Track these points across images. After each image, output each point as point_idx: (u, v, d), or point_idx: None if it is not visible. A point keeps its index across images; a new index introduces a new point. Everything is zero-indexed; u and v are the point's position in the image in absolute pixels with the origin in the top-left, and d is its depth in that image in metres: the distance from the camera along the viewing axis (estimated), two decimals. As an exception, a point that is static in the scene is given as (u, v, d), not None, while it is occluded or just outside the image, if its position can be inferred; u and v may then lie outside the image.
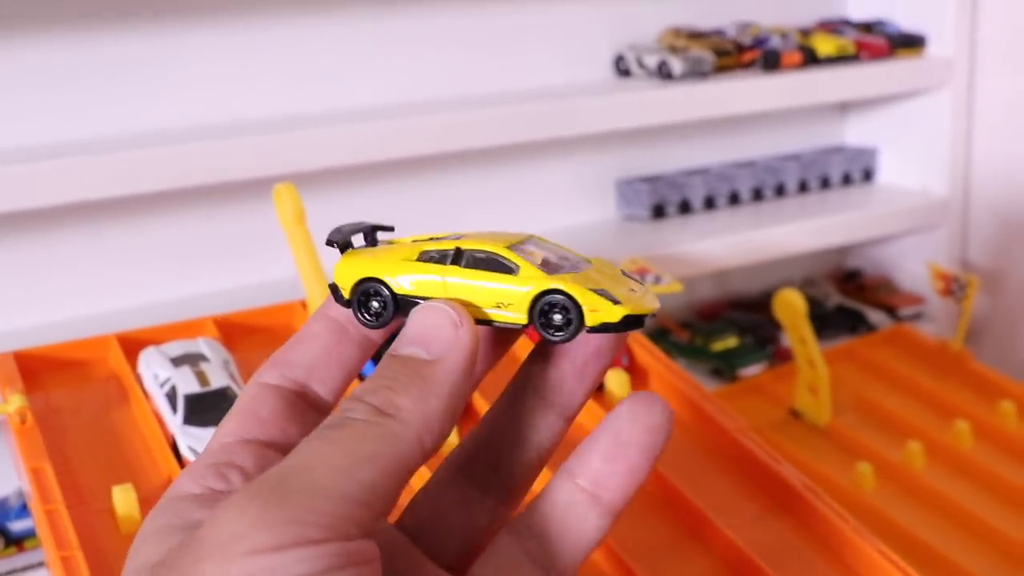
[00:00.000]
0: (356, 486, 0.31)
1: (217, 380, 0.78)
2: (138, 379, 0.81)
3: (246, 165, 1.06)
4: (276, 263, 1.11)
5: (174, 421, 0.75)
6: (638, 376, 0.90)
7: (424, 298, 0.37)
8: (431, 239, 0.40)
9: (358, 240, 0.41)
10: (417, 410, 0.34)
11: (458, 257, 0.38)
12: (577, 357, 0.39)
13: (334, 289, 0.39)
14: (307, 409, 0.38)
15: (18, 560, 0.94)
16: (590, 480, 0.38)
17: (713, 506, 0.75)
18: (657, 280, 1.01)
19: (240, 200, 1.18)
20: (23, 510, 0.94)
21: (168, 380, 0.78)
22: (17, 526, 0.95)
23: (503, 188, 1.35)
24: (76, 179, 0.99)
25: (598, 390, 0.87)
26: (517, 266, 0.37)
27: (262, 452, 0.36)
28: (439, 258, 0.38)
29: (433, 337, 0.35)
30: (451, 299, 0.37)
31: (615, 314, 0.36)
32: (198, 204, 1.16)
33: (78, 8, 1.08)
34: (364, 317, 0.38)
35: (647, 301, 0.38)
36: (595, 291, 0.37)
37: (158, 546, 0.33)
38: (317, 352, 0.38)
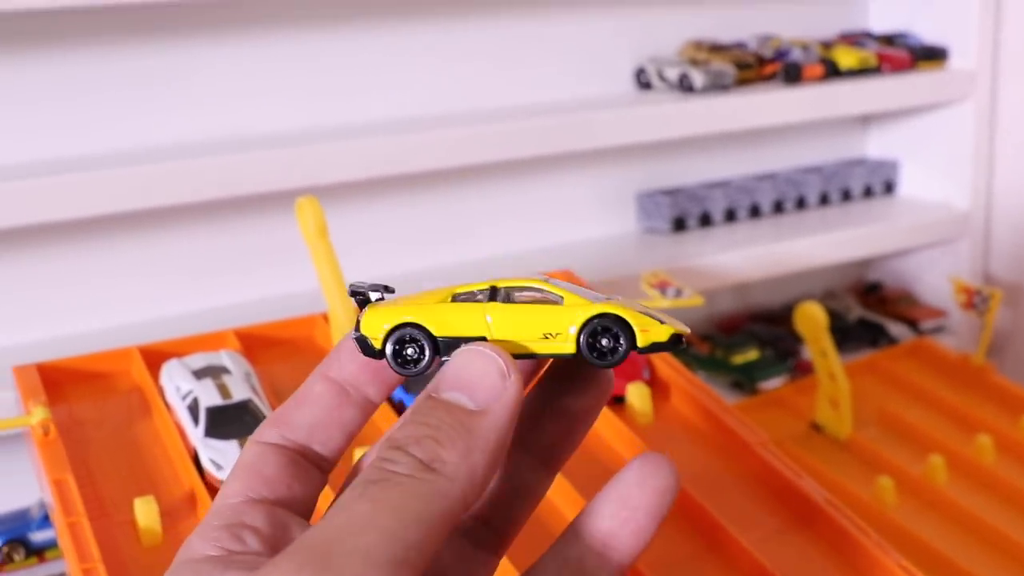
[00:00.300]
0: (404, 549, 0.30)
1: (239, 393, 0.78)
2: (160, 391, 0.82)
3: (265, 178, 1.07)
4: (298, 276, 1.11)
5: (196, 433, 0.76)
6: (659, 389, 0.90)
7: (467, 338, 0.37)
8: (448, 289, 0.39)
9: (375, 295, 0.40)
10: (464, 465, 0.33)
11: (494, 295, 0.37)
12: (564, 419, 0.39)
13: (362, 341, 0.38)
14: (310, 467, 0.37)
15: (39, 571, 0.94)
16: (599, 540, 0.37)
17: (733, 520, 0.75)
18: (678, 293, 1.01)
19: (261, 213, 1.18)
20: (45, 521, 0.94)
21: (190, 392, 0.78)
22: (39, 537, 0.95)
23: (522, 201, 1.35)
24: (97, 193, 0.99)
25: (619, 402, 0.87)
26: (560, 296, 0.37)
27: (272, 511, 0.35)
28: (480, 297, 0.38)
29: (479, 385, 0.34)
30: (495, 339, 0.37)
31: (663, 333, 0.37)
32: (217, 217, 1.17)
33: (93, 23, 1.08)
34: (403, 365, 0.38)
35: (679, 324, 0.39)
36: (642, 312, 0.37)
37: None
38: (318, 414, 0.37)
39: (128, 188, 1.01)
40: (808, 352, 1.16)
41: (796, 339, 1.33)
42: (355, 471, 0.39)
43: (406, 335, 0.37)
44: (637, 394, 0.86)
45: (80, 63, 1.09)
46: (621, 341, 0.37)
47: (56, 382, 0.84)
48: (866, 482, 1.07)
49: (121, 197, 1.00)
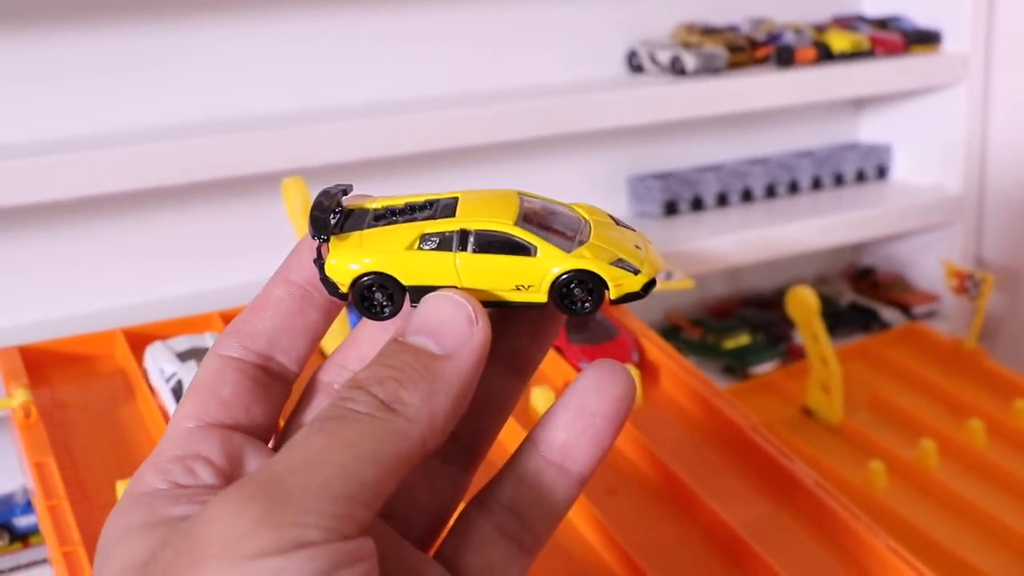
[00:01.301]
0: (360, 486, 0.30)
1: (223, 375, 0.77)
2: (144, 374, 0.81)
3: (253, 160, 1.06)
4: (283, 257, 1.11)
5: (179, 416, 0.75)
6: (648, 371, 0.90)
7: (437, 287, 0.36)
8: (409, 206, 0.38)
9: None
10: (425, 408, 0.32)
11: (464, 239, 0.36)
12: (535, 325, 0.39)
13: (327, 283, 0.37)
14: (270, 383, 0.36)
15: (22, 556, 0.94)
16: (556, 451, 0.37)
17: (722, 502, 0.75)
18: (668, 276, 1.00)
19: (247, 195, 1.17)
20: (28, 506, 0.94)
21: (174, 375, 0.77)
22: (22, 522, 0.94)
23: (513, 184, 1.32)
24: (82, 174, 0.98)
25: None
26: (533, 246, 0.36)
27: (228, 438, 0.35)
28: (444, 241, 0.36)
29: (446, 331, 0.34)
30: (465, 287, 0.36)
31: (636, 283, 0.37)
32: (205, 199, 1.16)
33: (85, 3, 1.07)
34: (373, 310, 0.37)
35: (654, 257, 0.38)
36: (616, 264, 0.36)
37: (138, 545, 0.31)
38: (280, 320, 0.37)
39: (113, 169, 1.00)
40: (800, 337, 1.16)
41: (788, 324, 1.32)
42: (309, 387, 0.38)
43: (374, 283, 0.36)
44: (626, 377, 0.85)
45: (65, 44, 1.08)
46: (592, 293, 0.36)
47: (38, 365, 0.83)
48: (857, 466, 1.07)
49: (106, 179, 0.99)
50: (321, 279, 0.37)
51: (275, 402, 0.36)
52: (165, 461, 0.34)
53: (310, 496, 0.29)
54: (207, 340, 0.82)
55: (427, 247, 0.36)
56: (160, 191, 1.08)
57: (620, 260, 0.36)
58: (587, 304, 0.36)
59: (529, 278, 0.36)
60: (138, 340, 0.84)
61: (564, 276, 0.36)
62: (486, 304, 0.36)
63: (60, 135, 1.06)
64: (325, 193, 0.38)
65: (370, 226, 0.37)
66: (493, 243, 0.36)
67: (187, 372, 0.77)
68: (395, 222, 0.37)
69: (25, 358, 0.82)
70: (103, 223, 1.12)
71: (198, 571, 0.28)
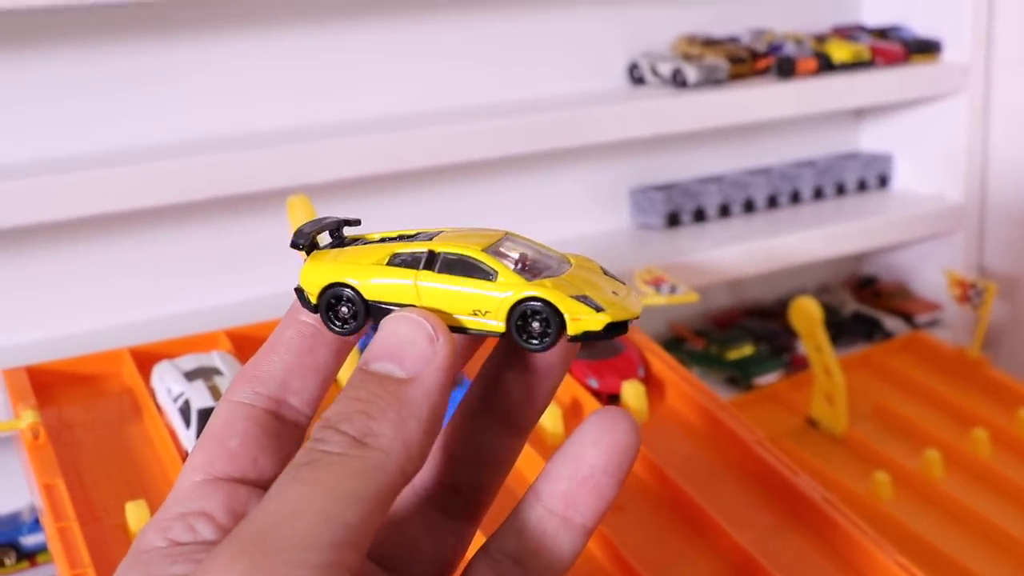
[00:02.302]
0: (343, 530, 0.30)
1: (230, 394, 0.77)
2: (151, 393, 0.81)
3: (257, 178, 1.06)
4: (289, 274, 1.11)
5: (187, 436, 0.75)
6: (654, 386, 0.90)
7: (396, 304, 0.36)
8: (401, 237, 0.38)
9: (324, 239, 0.39)
10: (398, 437, 0.32)
11: (431, 260, 0.36)
12: (526, 379, 0.38)
13: (300, 293, 0.37)
14: (281, 429, 0.36)
15: (30, 575, 0.94)
16: (559, 502, 0.36)
17: (729, 517, 0.75)
18: (673, 290, 1.01)
19: (252, 212, 1.18)
20: (36, 524, 0.94)
21: (181, 394, 0.78)
22: (29, 540, 0.94)
23: (516, 198, 1.35)
24: (86, 193, 0.99)
25: (614, 401, 0.87)
26: (494, 271, 0.35)
27: (232, 491, 0.34)
28: (411, 261, 0.36)
29: (407, 352, 0.33)
30: (425, 307, 0.35)
31: (598, 323, 0.35)
32: (210, 216, 1.16)
33: (82, 22, 1.08)
34: (333, 324, 0.36)
35: (631, 304, 0.36)
36: (577, 298, 0.35)
37: None
38: (290, 360, 0.36)
39: (117, 188, 1.00)
40: (803, 347, 1.16)
41: (791, 334, 1.32)
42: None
43: (339, 295, 0.36)
44: (632, 392, 0.85)
45: (67, 62, 1.08)
46: (551, 327, 0.35)
47: (46, 385, 0.83)
48: (862, 477, 1.07)
49: (110, 197, 1.00)
50: (295, 289, 0.37)
51: (285, 450, 0.36)
52: (168, 519, 0.34)
53: (294, 548, 0.29)
54: (214, 359, 0.82)
55: (393, 264, 0.36)
56: (164, 209, 1.08)
57: (583, 296, 0.35)
58: (544, 339, 0.35)
59: (487, 304, 0.35)
60: (145, 359, 0.85)
61: (520, 304, 0.35)
62: (452, 329, 0.35)
63: (63, 154, 1.07)
64: (325, 218, 0.39)
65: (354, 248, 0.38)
66: (455, 265, 0.35)
67: (194, 392, 0.77)
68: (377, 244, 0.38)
69: (32, 379, 0.82)
70: (108, 241, 1.12)
71: None
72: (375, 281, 0.36)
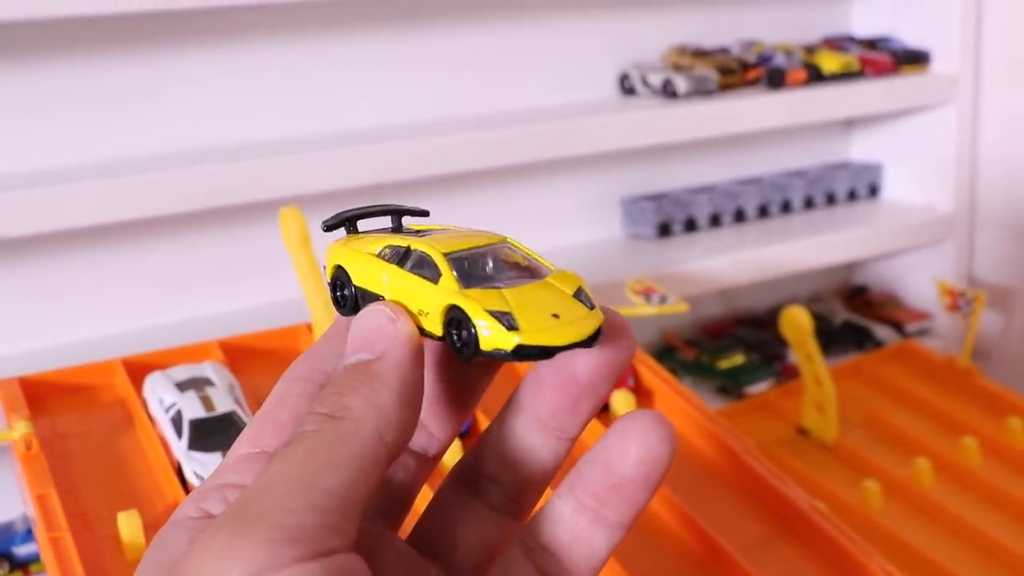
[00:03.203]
0: (323, 494, 0.30)
1: (222, 405, 0.78)
2: (143, 404, 0.81)
3: (250, 188, 1.06)
4: (281, 285, 1.11)
5: (179, 447, 0.75)
6: (644, 396, 0.90)
7: (375, 293, 0.37)
8: (423, 231, 0.39)
9: (368, 224, 0.40)
10: (369, 405, 0.33)
11: (405, 256, 0.37)
12: (569, 391, 0.37)
13: (325, 268, 0.40)
14: None
15: (24, 585, 0.95)
16: (591, 501, 0.36)
17: (719, 527, 0.75)
18: (663, 300, 1.01)
19: (244, 222, 1.18)
20: (28, 534, 0.94)
21: (173, 405, 0.78)
22: (22, 550, 0.95)
23: (508, 208, 1.35)
24: (80, 204, 0.99)
25: (603, 411, 0.87)
26: (440, 274, 0.36)
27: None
28: (390, 256, 0.37)
29: (373, 337, 0.35)
30: (391, 298, 0.37)
31: (507, 341, 0.33)
32: (202, 227, 1.17)
33: (77, 35, 1.08)
34: (338, 302, 0.39)
35: (561, 331, 0.34)
36: (493, 312, 0.34)
37: None
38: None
39: (110, 199, 1.00)
40: (794, 356, 1.16)
41: (782, 343, 1.33)
42: None
43: (339, 278, 0.38)
44: (622, 401, 0.86)
45: (62, 74, 1.08)
46: (468, 338, 0.34)
47: (38, 396, 0.84)
48: (852, 486, 1.08)
49: (103, 208, 1.00)
50: (322, 265, 0.39)
51: None
52: (208, 489, 0.35)
53: (270, 515, 0.29)
54: (206, 370, 0.82)
55: (379, 255, 0.38)
56: (157, 220, 1.08)
57: (502, 312, 0.34)
58: (466, 347, 0.34)
59: (427, 304, 0.36)
60: (137, 370, 0.85)
61: (447, 310, 0.35)
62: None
63: (58, 165, 1.07)
64: (388, 205, 0.40)
65: (382, 233, 0.39)
66: (417, 263, 0.36)
67: (186, 402, 0.78)
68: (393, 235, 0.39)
69: (25, 389, 0.83)
70: (100, 252, 1.13)
71: None
72: (361, 270, 0.38)
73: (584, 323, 0.35)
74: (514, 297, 0.35)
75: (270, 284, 1.17)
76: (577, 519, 0.36)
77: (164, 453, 0.76)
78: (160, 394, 0.80)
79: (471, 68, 1.30)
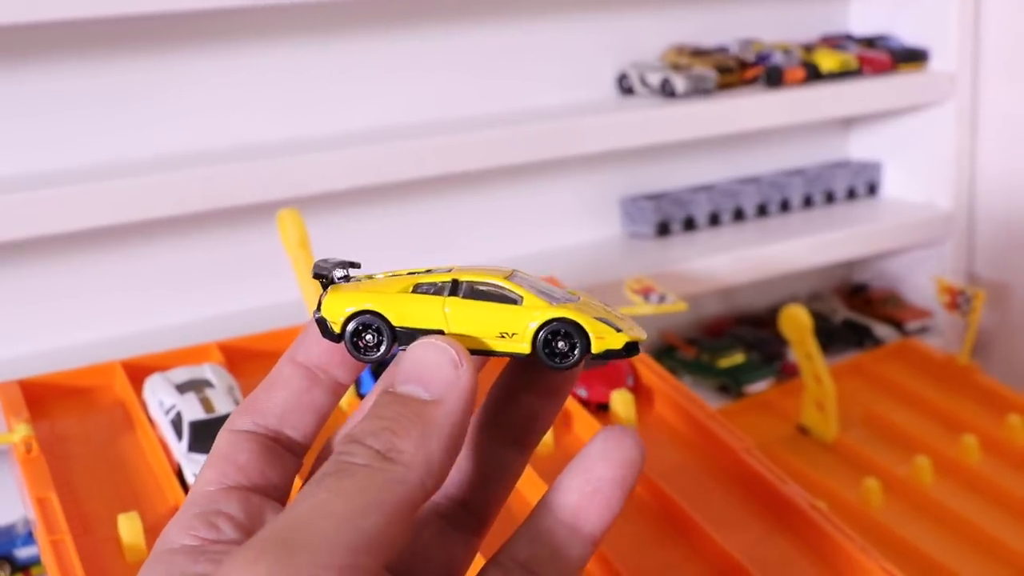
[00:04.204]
0: (362, 536, 0.31)
1: (222, 406, 0.78)
2: (143, 406, 0.82)
3: (247, 190, 1.07)
4: (280, 287, 1.12)
5: (179, 448, 0.76)
6: (643, 395, 0.91)
7: (424, 330, 0.37)
8: (412, 273, 0.40)
9: (339, 274, 0.40)
10: (419, 453, 0.33)
11: (455, 288, 0.38)
12: (533, 399, 0.40)
13: (321, 323, 0.38)
14: (283, 453, 0.38)
15: (24, 588, 0.95)
16: (568, 512, 0.38)
17: (718, 526, 0.75)
18: (661, 299, 1.01)
19: (242, 224, 1.18)
20: (29, 537, 0.94)
21: (173, 407, 0.78)
22: (23, 553, 0.95)
23: (507, 208, 1.35)
24: (80, 206, 0.99)
25: (603, 410, 0.88)
26: (520, 296, 0.37)
27: (247, 498, 0.36)
28: (436, 290, 0.38)
29: (433, 377, 0.35)
30: (452, 332, 0.37)
31: (618, 341, 0.37)
32: (201, 229, 1.17)
33: (76, 37, 1.08)
34: (360, 351, 0.38)
35: (637, 331, 0.39)
36: (599, 319, 0.37)
37: None
38: (288, 399, 0.38)
39: (110, 202, 1.01)
40: (793, 355, 1.16)
41: (782, 342, 1.33)
42: (323, 455, 0.40)
43: (365, 322, 0.38)
44: (621, 401, 0.86)
45: (62, 77, 1.09)
46: (576, 346, 0.37)
47: (38, 398, 0.84)
48: (852, 484, 1.08)
49: (102, 211, 1.00)
50: (317, 319, 0.38)
51: (289, 470, 0.38)
52: (188, 518, 0.35)
53: (316, 549, 0.30)
54: (205, 371, 0.83)
55: (418, 292, 0.38)
56: (156, 222, 1.09)
57: (604, 318, 0.38)
58: (570, 357, 0.37)
59: (513, 326, 0.37)
60: (137, 372, 0.85)
61: (547, 324, 0.37)
62: (472, 352, 0.37)
63: (56, 168, 1.07)
64: (327, 259, 0.40)
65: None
66: (481, 293, 0.38)
67: (186, 404, 0.78)
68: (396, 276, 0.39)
69: (25, 392, 0.83)
70: (100, 255, 1.13)
71: None
72: (403, 308, 0.38)
73: (637, 326, 0.40)
74: (590, 307, 0.39)
75: (269, 286, 1.17)
76: (554, 534, 0.38)
77: (164, 455, 0.76)
78: (160, 396, 0.80)
79: (470, 68, 1.30)
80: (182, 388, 0.80)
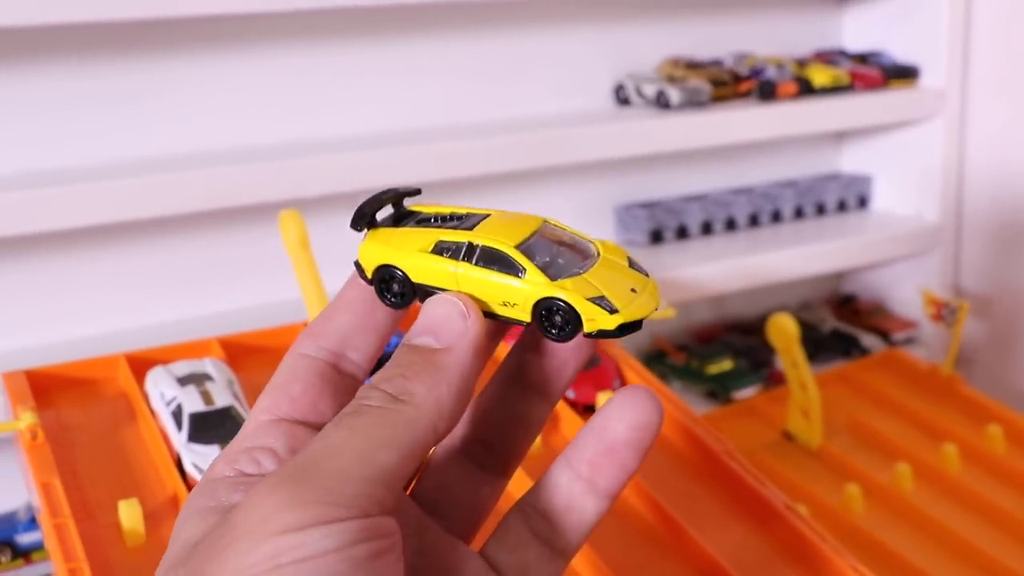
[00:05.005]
0: (374, 468, 0.34)
1: (221, 399, 0.80)
2: (145, 397, 0.84)
3: (250, 191, 1.09)
4: (280, 285, 1.14)
5: (179, 439, 0.78)
6: (629, 398, 0.93)
7: (439, 288, 0.40)
8: (452, 216, 0.42)
9: (384, 212, 0.43)
10: (430, 396, 0.36)
11: (471, 251, 0.40)
12: (557, 354, 0.42)
13: (358, 267, 0.41)
14: (340, 380, 0.40)
15: (25, 572, 0.97)
16: (586, 469, 0.40)
17: (699, 525, 0.78)
18: (650, 305, 1.03)
19: (245, 224, 1.21)
20: (31, 523, 0.96)
21: (174, 399, 0.81)
22: (25, 539, 0.97)
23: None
24: (86, 204, 1.01)
25: (589, 411, 0.90)
26: (523, 269, 0.39)
27: (292, 431, 0.38)
28: (452, 251, 0.40)
29: (443, 327, 0.38)
30: (462, 292, 0.39)
31: (611, 323, 0.38)
32: (205, 228, 1.19)
33: (82, 39, 1.10)
34: (386, 298, 0.41)
35: (644, 303, 0.40)
36: (593, 300, 0.38)
37: (197, 527, 0.35)
38: (352, 320, 0.41)
39: (115, 200, 1.03)
40: (781, 363, 1.19)
41: (770, 349, 1.35)
42: None
43: (390, 275, 0.40)
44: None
45: (68, 77, 1.11)
46: (570, 323, 0.39)
47: (44, 388, 0.86)
48: (835, 489, 1.10)
49: (108, 209, 1.02)
50: (354, 263, 0.41)
51: (343, 397, 0.40)
52: (236, 452, 0.38)
53: (330, 479, 0.33)
54: (206, 365, 0.85)
55: (437, 252, 0.40)
56: (160, 220, 1.11)
57: (600, 298, 0.39)
58: (564, 331, 0.39)
59: (514, 297, 0.39)
60: (140, 365, 0.88)
61: (543, 300, 0.39)
62: (485, 314, 0.39)
63: (64, 166, 1.09)
64: (385, 192, 0.43)
65: (408, 227, 0.42)
66: (491, 259, 0.39)
67: (186, 396, 0.80)
68: (428, 227, 0.41)
69: (31, 382, 0.85)
70: (105, 251, 1.15)
71: (231, 548, 0.32)
72: (421, 266, 0.40)
73: (652, 291, 0.40)
74: (596, 280, 0.39)
75: (269, 284, 1.19)
76: (572, 487, 0.41)
77: (164, 445, 0.79)
78: (161, 388, 0.82)
79: (470, 76, 1.32)
80: (183, 381, 0.82)
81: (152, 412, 0.82)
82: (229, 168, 1.08)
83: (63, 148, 1.11)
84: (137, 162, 1.11)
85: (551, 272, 0.39)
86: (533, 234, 0.41)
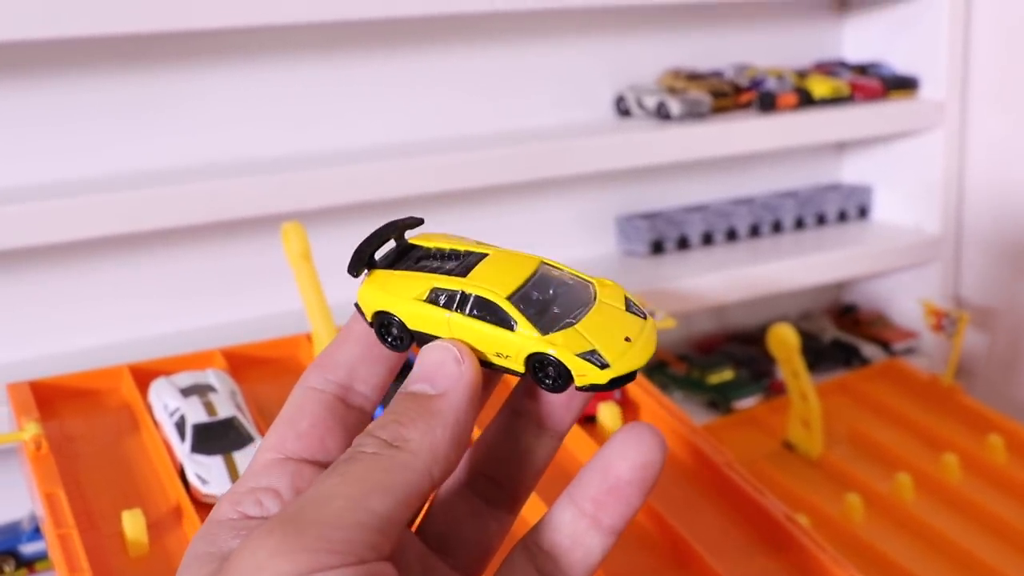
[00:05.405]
0: (369, 514, 0.34)
1: (224, 410, 0.81)
2: (148, 408, 0.84)
3: (253, 203, 1.09)
4: (282, 297, 1.14)
5: (182, 449, 0.78)
6: (629, 409, 0.93)
7: (434, 336, 0.40)
8: (452, 252, 0.43)
9: (384, 248, 0.43)
10: (425, 441, 0.36)
11: (463, 301, 0.40)
12: (559, 395, 0.42)
13: (358, 308, 0.42)
14: (347, 413, 0.41)
15: (29, 582, 0.97)
16: (590, 506, 0.40)
17: (699, 537, 0.78)
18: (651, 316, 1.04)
19: (248, 236, 1.21)
20: (35, 533, 0.97)
21: (177, 410, 0.81)
22: (28, 549, 0.97)
23: (505, 224, 1.38)
24: (90, 216, 1.02)
25: (590, 422, 0.90)
26: (515, 322, 0.39)
27: (298, 470, 0.39)
28: (447, 299, 0.40)
29: (437, 373, 0.38)
30: (456, 339, 0.40)
31: (602, 377, 0.38)
32: (207, 240, 1.20)
33: (86, 52, 1.11)
34: (386, 341, 0.41)
35: (637, 354, 0.39)
36: (583, 355, 0.38)
37: (195, 573, 0.36)
38: (358, 351, 0.41)
39: (119, 212, 1.03)
40: (781, 373, 1.19)
41: (771, 360, 1.35)
42: None
43: (388, 320, 0.41)
44: (608, 413, 0.89)
45: (70, 90, 1.11)
46: (562, 378, 0.39)
47: (48, 399, 0.87)
48: (835, 499, 1.10)
49: (112, 221, 1.03)
50: (355, 304, 0.42)
51: (351, 432, 0.40)
52: (240, 492, 0.38)
53: (324, 525, 0.33)
54: (209, 376, 0.85)
55: (431, 300, 0.40)
56: (163, 232, 1.11)
57: (591, 352, 0.39)
58: (557, 383, 0.39)
59: (507, 349, 0.39)
60: (143, 376, 0.88)
61: (533, 355, 0.39)
62: (481, 363, 0.40)
63: (68, 178, 1.10)
64: (384, 227, 0.44)
65: (406, 267, 0.42)
66: (483, 310, 0.40)
67: (189, 407, 0.81)
68: (425, 268, 0.42)
69: (35, 393, 0.86)
70: (109, 262, 1.15)
71: None
72: (416, 316, 0.40)
73: (648, 337, 0.40)
74: (588, 331, 0.39)
75: (272, 296, 1.20)
76: (576, 525, 0.40)
77: (167, 455, 0.79)
78: (165, 399, 0.83)
79: (470, 88, 1.33)
80: (186, 392, 0.83)
81: (155, 423, 0.83)
82: (231, 181, 1.08)
83: (66, 161, 1.11)
84: (140, 174, 1.12)
85: (543, 323, 0.39)
86: (528, 280, 0.41)
